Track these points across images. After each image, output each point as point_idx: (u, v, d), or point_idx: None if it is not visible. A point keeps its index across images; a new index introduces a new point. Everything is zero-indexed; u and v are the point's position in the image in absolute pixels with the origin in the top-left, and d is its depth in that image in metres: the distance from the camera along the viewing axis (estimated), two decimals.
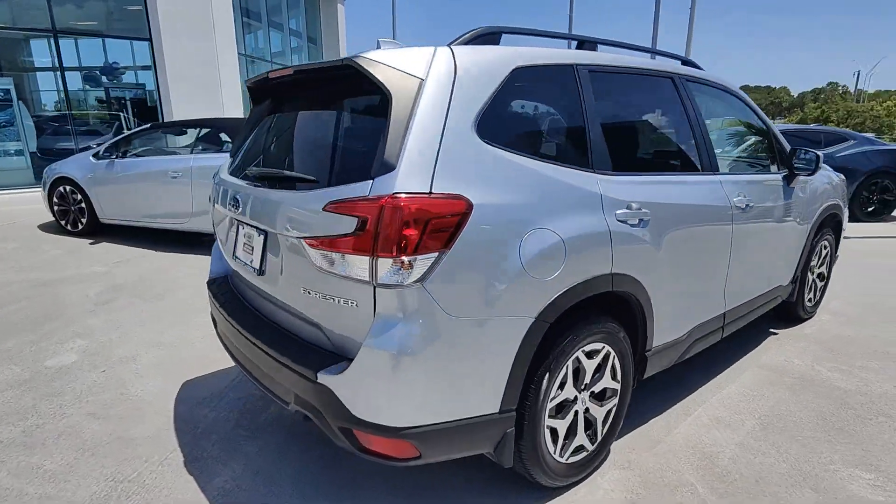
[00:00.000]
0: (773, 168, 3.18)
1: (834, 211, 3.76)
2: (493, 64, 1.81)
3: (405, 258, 1.48)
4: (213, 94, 11.30)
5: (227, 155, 5.83)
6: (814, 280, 3.86)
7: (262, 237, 1.97)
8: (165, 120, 10.61)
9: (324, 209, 1.59)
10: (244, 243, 2.12)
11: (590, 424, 2.14)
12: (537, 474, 1.95)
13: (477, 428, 1.71)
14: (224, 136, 6.30)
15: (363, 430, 1.62)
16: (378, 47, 2.33)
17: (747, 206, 2.74)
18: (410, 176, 1.53)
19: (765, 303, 3.21)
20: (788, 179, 3.15)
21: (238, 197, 2.06)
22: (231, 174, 2.31)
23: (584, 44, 2.30)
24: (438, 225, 1.52)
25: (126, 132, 7.10)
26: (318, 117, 2.02)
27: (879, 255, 5.95)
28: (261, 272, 1.97)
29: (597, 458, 2.20)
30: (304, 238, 1.65)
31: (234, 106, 11.83)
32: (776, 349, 3.44)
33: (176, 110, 10.69)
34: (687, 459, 2.29)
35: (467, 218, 1.56)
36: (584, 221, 1.89)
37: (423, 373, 1.56)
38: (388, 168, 1.54)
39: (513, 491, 2.09)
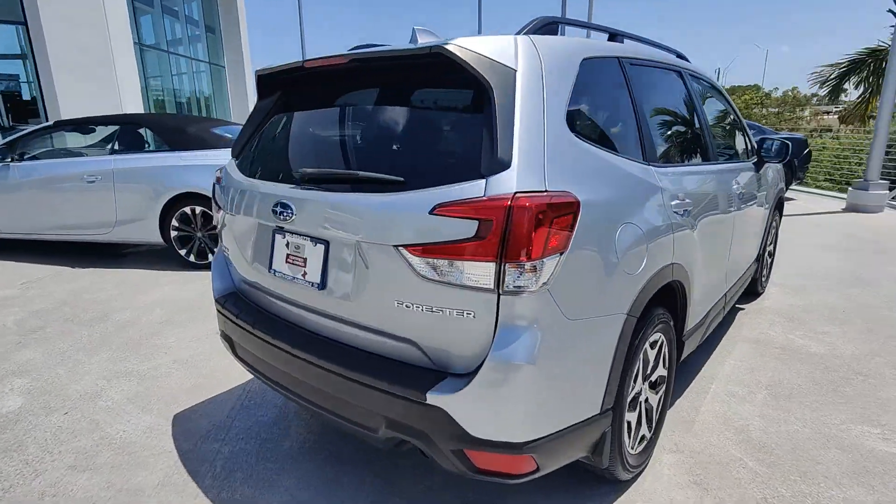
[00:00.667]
0: (745, 156, 3.44)
1: (782, 194, 4.17)
2: (569, 55, 1.74)
3: (535, 262, 1.38)
4: (108, 87, 10.05)
5: (157, 155, 5.20)
6: (765, 257, 4.25)
7: (321, 247, 1.74)
8: (53, 117, 9.25)
9: (431, 213, 1.44)
10: (288, 255, 1.87)
11: (648, 413, 2.17)
12: (617, 469, 1.94)
13: (584, 431, 1.65)
14: (150, 134, 5.62)
15: (480, 450, 1.50)
16: (413, 37, 2.18)
17: (741, 192, 2.94)
18: (527, 173, 1.42)
19: (746, 281, 3.48)
20: (758, 167, 3.42)
21: (287, 203, 1.79)
22: (256, 177, 2.03)
23: (616, 37, 2.31)
24: (561, 224, 1.43)
25: (23, 130, 6.07)
26: (386, 111, 1.81)
27: (789, 232, 6.71)
28: (322, 286, 1.75)
29: (654, 445, 2.24)
30: (405, 246, 1.48)
31: (132, 99, 10.61)
32: (749, 323, 3.75)
33: (64, 106, 9.36)
34: (724, 435, 2.41)
35: (578, 216, 1.49)
36: (655, 214, 1.90)
37: (546, 381, 1.47)
38: (503, 166, 1.42)
39: (585, 488, 2.06)
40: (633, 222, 1.74)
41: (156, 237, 5.22)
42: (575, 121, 1.66)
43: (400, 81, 1.78)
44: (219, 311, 2.25)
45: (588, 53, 1.85)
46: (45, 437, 2.46)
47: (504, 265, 1.37)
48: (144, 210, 5.14)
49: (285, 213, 1.79)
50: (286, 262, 1.88)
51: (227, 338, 2.26)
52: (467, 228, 1.39)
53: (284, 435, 2.46)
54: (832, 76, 15.67)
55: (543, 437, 1.52)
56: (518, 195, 1.38)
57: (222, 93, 17.60)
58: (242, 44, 17.74)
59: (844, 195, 9.30)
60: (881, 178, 8.69)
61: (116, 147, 5.45)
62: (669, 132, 2.50)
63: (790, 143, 3.32)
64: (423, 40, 2.14)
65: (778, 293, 4.36)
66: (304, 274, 1.80)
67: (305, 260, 1.80)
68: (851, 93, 17.07)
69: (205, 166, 5.03)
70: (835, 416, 2.57)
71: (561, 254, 1.44)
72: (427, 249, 1.45)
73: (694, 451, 2.30)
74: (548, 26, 1.85)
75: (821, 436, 2.41)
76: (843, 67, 15.29)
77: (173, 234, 5.19)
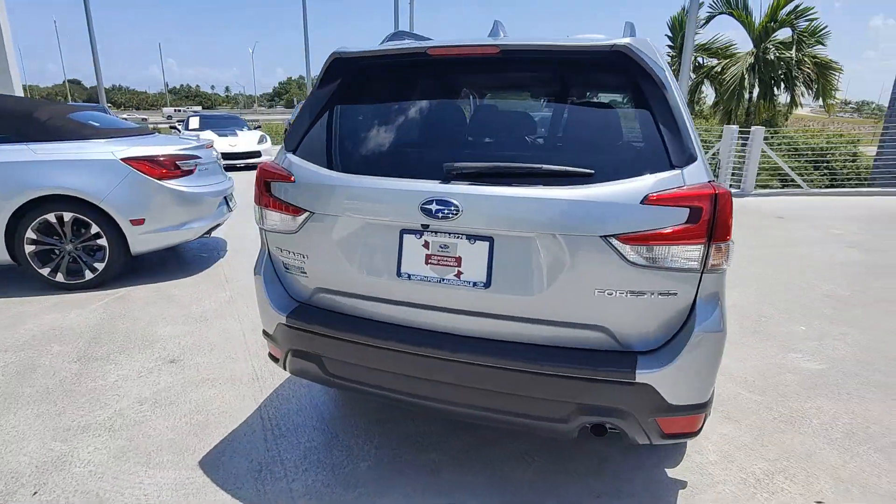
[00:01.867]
0: None
1: None
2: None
3: (729, 242, 1.58)
4: None
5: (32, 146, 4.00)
6: None
7: (483, 244, 1.67)
8: None
9: (642, 203, 1.52)
10: (429, 256, 1.73)
11: None
12: None
13: None
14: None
15: (671, 416, 1.64)
16: (494, 29, 2.16)
17: None
18: (705, 166, 1.60)
19: None
20: None
21: (447, 200, 1.65)
22: (368, 173, 1.81)
23: None
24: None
25: None
26: (549, 104, 1.77)
27: None
28: (487, 285, 1.68)
29: None
30: (615, 236, 1.53)
31: None
32: None
33: None
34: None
35: None
36: None
37: (724, 345, 1.69)
38: (692, 158, 1.57)
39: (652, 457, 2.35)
40: None
41: None
42: None
43: (563, 75, 1.78)
44: (295, 329, 1.95)
45: None
46: None
47: (711, 246, 1.54)
48: None
49: (444, 211, 1.65)
50: (426, 263, 1.74)
51: (305, 356, 1.97)
52: (679, 215, 1.52)
53: (350, 455, 2.24)
54: None
55: (712, 393, 1.74)
56: (712, 184, 1.56)
57: None
58: (5, 40, 13.94)
59: None
60: None
61: None
62: None
63: None
64: (504, 33, 2.15)
65: None
66: (459, 274, 1.70)
67: (459, 259, 1.70)
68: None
69: (72, 162, 4.03)
70: (770, 350, 3.33)
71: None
72: (639, 237, 1.53)
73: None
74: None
75: (773, 365, 3.11)
76: None
77: (29, 248, 4.05)
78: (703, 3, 15.74)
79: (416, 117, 1.93)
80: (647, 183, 1.54)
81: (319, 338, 1.91)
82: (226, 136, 12.66)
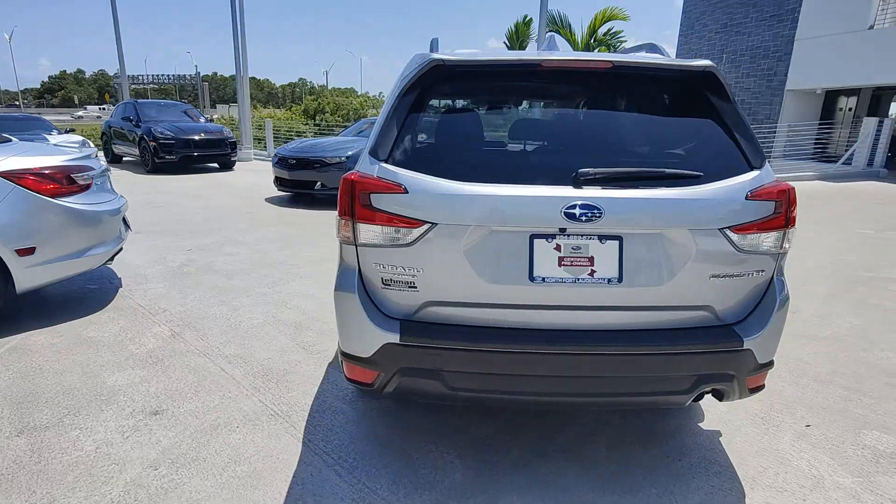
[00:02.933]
0: None
1: None
2: None
3: (794, 228, 1.99)
4: None
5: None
6: None
7: (613, 243, 1.82)
8: None
9: (746, 198, 1.83)
10: (562, 258, 1.82)
11: None
12: None
13: None
14: None
15: (755, 374, 1.99)
16: (551, 42, 2.33)
17: None
18: (770, 167, 2.00)
19: None
20: None
21: (591, 204, 1.76)
22: (499, 181, 1.82)
23: None
24: None
25: None
26: (646, 115, 1.95)
27: None
28: (620, 280, 1.83)
29: None
30: (730, 227, 1.82)
31: None
32: None
33: None
34: None
35: None
36: None
37: None
38: (763, 160, 1.94)
39: (685, 418, 2.75)
40: None
41: None
42: None
43: (662, 88, 1.99)
44: (412, 346, 1.85)
45: None
46: None
47: (785, 231, 1.92)
48: None
49: (588, 215, 1.76)
50: (559, 265, 1.82)
51: (422, 373, 1.89)
52: (769, 207, 1.86)
53: (438, 469, 2.19)
54: None
55: None
56: (780, 181, 1.94)
57: None
58: None
59: None
60: None
61: None
62: None
63: None
64: (561, 47, 2.32)
65: None
66: (592, 272, 1.83)
67: (591, 259, 1.83)
68: None
69: None
70: None
71: None
72: (746, 227, 1.84)
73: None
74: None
75: None
76: None
77: None
78: (530, 19, 17.79)
79: (526, 125, 1.99)
80: (745, 181, 1.87)
81: (443, 352, 1.85)
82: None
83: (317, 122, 24.37)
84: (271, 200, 8.69)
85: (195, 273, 4.75)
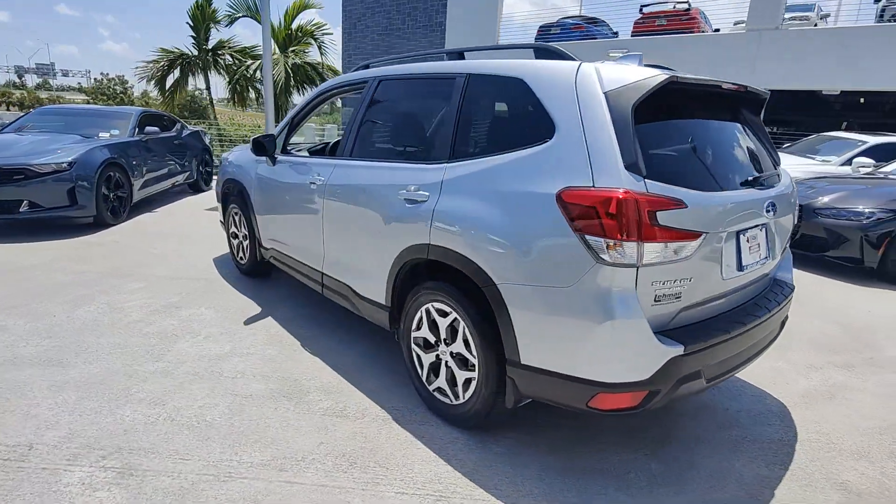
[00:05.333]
0: None
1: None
2: None
3: None
4: None
5: None
6: None
7: (763, 230, 2.30)
8: None
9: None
10: (750, 247, 2.22)
11: None
12: None
13: None
14: None
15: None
16: (630, 58, 2.48)
17: None
18: None
19: None
20: None
21: (774, 202, 2.29)
22: (712, 189, 2.10)
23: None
24: None
25: None
26: (739, 127, 2.49)
27: None
28: (768, 257, 2.35)
29: None
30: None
31: None
32: None
33: None
34: None
35: None
36: None
37: None
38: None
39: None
40: None
41: None
42: None
43: (746, 106, 2.57)
44: (691, 354, 1.92)
45: None
46: None
47: None
48: None
49: (773, 210, 2.28)
50: (750, 253, 2.22)
51: (693, 377, 1.99)
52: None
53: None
54: (157, 73, 17.53)
55: None
56: None
57: None
58: None
59: None
60: None
61: None
62: None
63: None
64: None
65: None
66: (760, 255, 2.29)
67: (759, 244, 2.27)
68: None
69: None
70: None
71: None
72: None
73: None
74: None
75: None
76: (164, 64, 17.37)
77: None
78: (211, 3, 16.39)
79: (713, 136, 2.37)
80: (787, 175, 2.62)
81: (707, 350, 1.98)
82: None
83: None
84: None
85: None
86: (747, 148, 2.45)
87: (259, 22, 15.60)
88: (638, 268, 1.82)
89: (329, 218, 3.04)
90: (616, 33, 15.86)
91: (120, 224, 6.13)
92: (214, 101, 21.60)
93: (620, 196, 1.77)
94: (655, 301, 1.89)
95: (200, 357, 3.02)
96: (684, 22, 13.44)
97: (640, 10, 14.35)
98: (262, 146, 3.56)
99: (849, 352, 3.43)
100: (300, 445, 2.27)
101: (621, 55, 2.23)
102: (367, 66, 3.29)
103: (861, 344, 3.56)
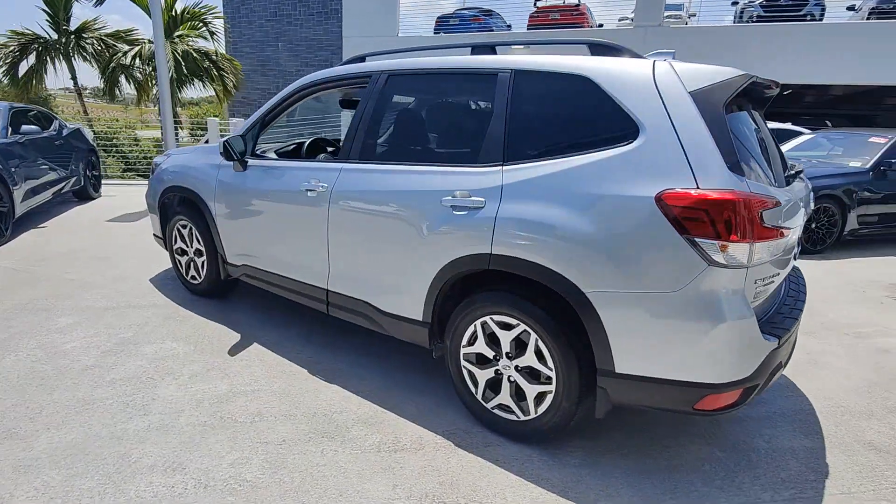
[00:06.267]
0: None
1: None
2: None
3: None
4: None
5: None
6: None
7: (802, 221, 2.37)
8: None
9: None
10: (795, 239, 2.30)
11: None
12: None
13: None
14: None
15: None
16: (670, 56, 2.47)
17: None
18: None
19: None
20: None
21: (809, 194, 2.52)
22: (776, 184, 2.20)
23: None
24: None
25: None
26: (761, 121, 2.56)
27: None
28: (800, 246, 2.51)
29: None
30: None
31: None
32: None
33: None
34: None
35: None
36: None
37: None
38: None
39: None
40: None
41: None
42: None
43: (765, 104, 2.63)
44: (781, 344, 2.04)
45: None
46: None
47: None
48: None
49: (808, 202, 2.43)
50: (796, 245, 2.37)
51: (779, 367, 2.13)
52: None
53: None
54: (7, 59, 14.15)
55: None
56: None
57: None
58: None
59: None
60: None
61: None
62: None
63: None
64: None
65: None
66: (797, 245, 2.40)
67: (797, 234, 2.31)
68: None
69: None
70: None
71: None
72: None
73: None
74: None
75: None
76: (15, 49, 14.08)
77: None
78: None
79: (755, 133, 2.38)
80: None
81: (787, 342, 2.11)
82: None
83: None
84: None
85: None
86: (774, 142, 2.58)
87: (139, 6, 13.60)
88: (748, 268, 1.85)
89: (337, 229, 2.72)
90: (510, 26, 16.39)
91: (5, 244, 5.07)
92: (69, 93, 18.11)
93: (734, 198, 1.78)
94: (754, 298, 1.96)
95: (197, 402, 2.55)
96: (575, 17, 14.34)
97: (535, 3, 15.00)
98: (228, 149, 3.11)
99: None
100: (374, 492, 2.00)
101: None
102: (363, 59, 2.98)
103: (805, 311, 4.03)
